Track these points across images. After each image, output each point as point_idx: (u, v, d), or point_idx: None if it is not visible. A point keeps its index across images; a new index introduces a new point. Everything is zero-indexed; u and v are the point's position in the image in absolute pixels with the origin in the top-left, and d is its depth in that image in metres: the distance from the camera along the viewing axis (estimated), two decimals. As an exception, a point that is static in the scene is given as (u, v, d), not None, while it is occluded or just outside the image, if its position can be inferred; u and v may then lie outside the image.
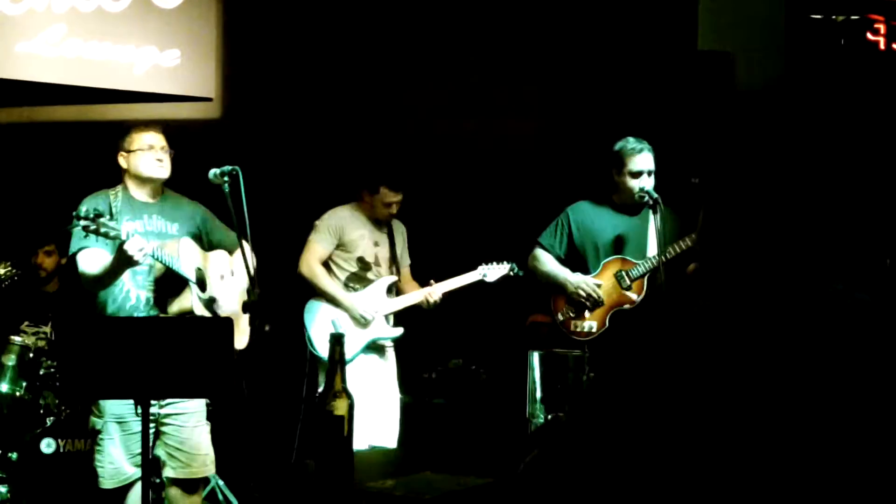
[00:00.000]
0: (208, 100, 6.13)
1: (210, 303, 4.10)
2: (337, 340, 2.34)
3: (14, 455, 4.86)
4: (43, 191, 5.65)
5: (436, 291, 5.19)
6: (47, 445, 4.71)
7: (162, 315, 3.97)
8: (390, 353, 5.27)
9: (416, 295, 5.22)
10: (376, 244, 5.22)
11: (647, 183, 4.62)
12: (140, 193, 4.05)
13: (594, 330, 4.71)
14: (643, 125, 5.21)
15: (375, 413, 4.97)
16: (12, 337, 5.08)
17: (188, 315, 3.97)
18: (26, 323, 5.30)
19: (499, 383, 5.78)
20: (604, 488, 1.25)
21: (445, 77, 6.09)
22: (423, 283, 5.29)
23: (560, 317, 4.77)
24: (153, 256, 3.81)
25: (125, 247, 3.66)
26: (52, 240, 5.52)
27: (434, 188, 5.90)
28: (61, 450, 4.74)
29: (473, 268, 5.31)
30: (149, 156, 4.01)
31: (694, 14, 5.68)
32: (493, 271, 5.31)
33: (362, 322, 5.10)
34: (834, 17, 5.31)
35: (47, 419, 4.91)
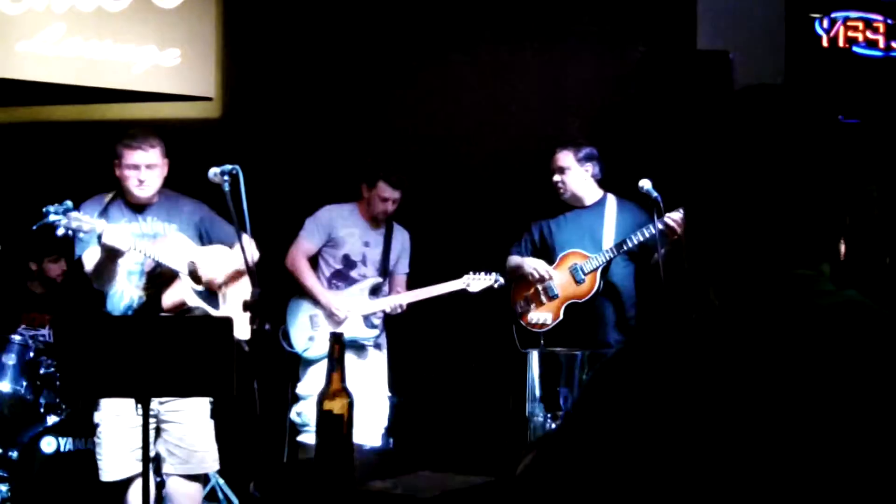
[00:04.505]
0: (208, 99, 6.13)
1: (207, 296, 4.13)
2: (336, 339, 2.34)
3: (14, 455, 4.86)
4: (43, 190, 5.64)
5: (403, 301, 5.10)
6: (47, 445, 4.71)
7: (160, 312, 4.01)
8: (373, 352, 5.15)
9: (388, 300, 5.11)
10: (367, 244, 5.11)
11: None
12: (135, 197, 4.10)
13: (549, 322, 4.82)
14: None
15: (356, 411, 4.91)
16: (12, 336, 5.09)
17: (183, 308, 4.02)
18: (23, 326, 5.29)
19: (498, 382, 5.78)
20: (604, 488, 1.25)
21: (446, 76, 6.08)
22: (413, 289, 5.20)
23: (518, 309, 4.89)
24: (138, 251, 3.88)
25: (103, 239, 3.75)
26: (56, 249, 5.48)
27: (432, 191, 5.86)
28: (61, 449, 4.74)
29: (459, 275, 5.18)
30: (131, 177, 4.03)
31: (693, 14, 5.68)
32: (477, 282, 5.17)
33: (335, 320, 5.01)
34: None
35: (47, 419, 4.91)
